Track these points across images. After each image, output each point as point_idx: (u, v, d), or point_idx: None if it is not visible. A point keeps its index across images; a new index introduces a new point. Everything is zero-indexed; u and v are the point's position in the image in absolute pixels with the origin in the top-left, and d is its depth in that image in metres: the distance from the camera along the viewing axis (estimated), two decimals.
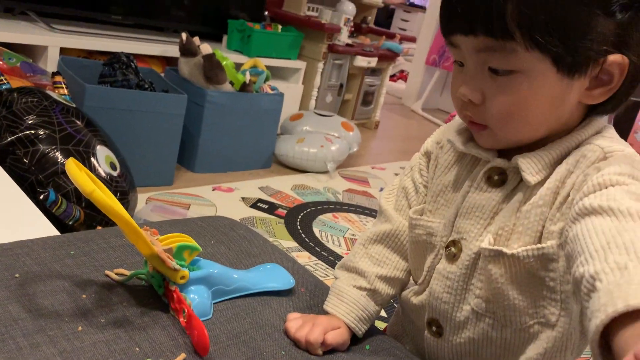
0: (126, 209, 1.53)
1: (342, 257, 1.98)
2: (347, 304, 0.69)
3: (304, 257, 1.89)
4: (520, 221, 0.59)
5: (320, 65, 3.14)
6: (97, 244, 0.74)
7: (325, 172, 2.73)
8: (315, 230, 2.11)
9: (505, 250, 0.59)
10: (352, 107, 3.67)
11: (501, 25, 0.52)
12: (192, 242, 0.64)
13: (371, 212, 2.40)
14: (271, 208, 2.22)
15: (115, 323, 0.59)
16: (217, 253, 0.79)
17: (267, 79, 2.62)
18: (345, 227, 2.20)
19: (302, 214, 2.23)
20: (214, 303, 0.67)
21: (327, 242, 2.04)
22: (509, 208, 0.60)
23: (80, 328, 0.57)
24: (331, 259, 1.92)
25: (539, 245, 0.58)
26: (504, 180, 0.61)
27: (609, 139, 0.59)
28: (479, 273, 0.62)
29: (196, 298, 0.63)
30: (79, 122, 1.50)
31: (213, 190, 2.26)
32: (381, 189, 2.72)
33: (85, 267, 0.68)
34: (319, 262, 1.89)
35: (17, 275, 0.63)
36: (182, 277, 0.62)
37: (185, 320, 0.60)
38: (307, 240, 2.02)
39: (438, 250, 0.67)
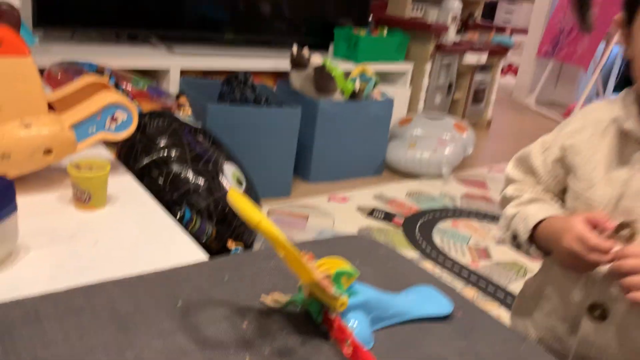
0: None
1: (467, 268, 1.88)
2: (534, 210, 0.72)
3: (427, 268, 1.82)
4: None
5: (428, 66, 3.06)
6: (248, 268, 0.73)
7: (440, 176, 2.64)
8: (436, 239, 2.04)
9: None
10: (462, 107, 3.53)
11: None
12: (349, 268, 0.61)
13: (493, 219, 2.27)
14: (388, 217, 2.18)
15: (279, 353, 0.57)
16: (363, 275, 0.75)
17: (375, 85, 2.59)
18: (467, 235, 2.10)
19: (420, 222, 2.16)
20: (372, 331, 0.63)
21: (450, 252, 1.96)
22: None
23: (247, 359, 0.56)
24: (456, 270, 1.84)
25: None
26: None
27: None
28: None
29: (356, 326, 0.60)
30: (205, 142, 1.55)
31: (329, 200, 2.26)
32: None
33: (241, 293, 0.67)
34: (444, 272, 1.81)
35: (179, 304, 0.64)
36: (342, 305, 0.60)
37: (350, 352, 0.57)
38: (428, 249, 1.95)
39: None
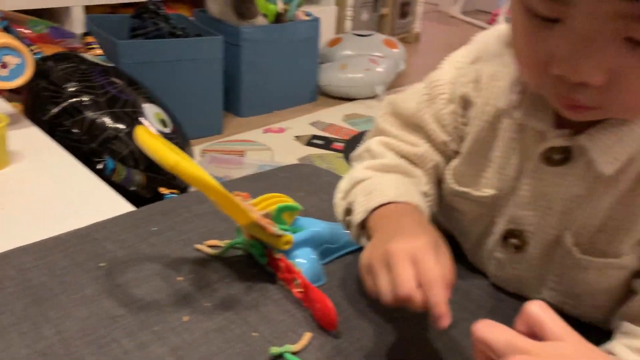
0: None
1: None
2: (388, 184, 0.51)
3: None
4: (608, 222, 0.47)
5: None
6: (178, 214, 0.66)
7: (375, 96, 2.58)
8: None
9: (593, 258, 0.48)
10: (389, 22, 3.44)
11: None
12: (290, 202, 0.55)
13: None
14: (327, 143, 2.12)
15: (222, 305, 0.52)
16: (310, 206, 0.70)
17: (299, 5, 2.45)
18: None
19: (359, 145, 2.12)
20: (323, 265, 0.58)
21: None
22: (585, 199, 0.47)
23: (186, 318, 0.50)
24: None
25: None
26: (567, 158, 0.47)
27: None
28: (556, 268, 0.51)
29: (305, 263, 0.55)
30: (120, 82, 1.41)
31: (264, 132, 2.17)
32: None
33: (174, 244, 0.60)
34: None
35: (101, 264, 0.56)
36: (287, 243, 0.54)
37: (301, 291, 0.52)
38: None
39: (487, 228, 0.54)
